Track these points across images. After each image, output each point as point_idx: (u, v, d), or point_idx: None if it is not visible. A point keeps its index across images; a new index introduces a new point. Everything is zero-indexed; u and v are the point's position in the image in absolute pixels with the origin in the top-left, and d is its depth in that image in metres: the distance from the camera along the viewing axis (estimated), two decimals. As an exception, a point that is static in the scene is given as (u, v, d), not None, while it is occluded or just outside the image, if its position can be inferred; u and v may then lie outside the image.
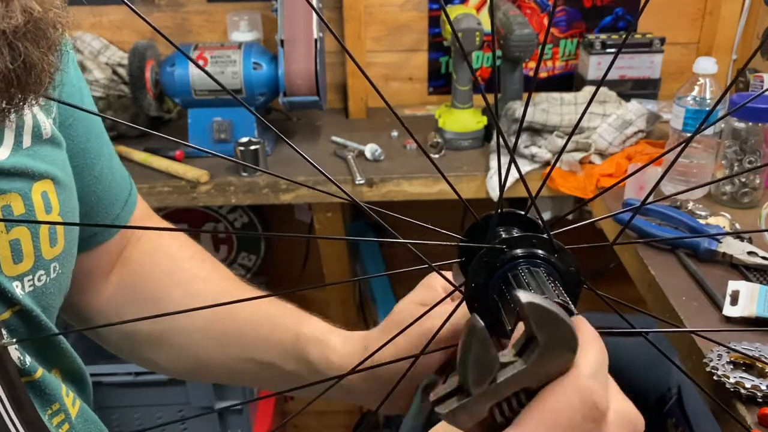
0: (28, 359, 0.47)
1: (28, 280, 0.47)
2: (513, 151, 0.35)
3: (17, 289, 0.46)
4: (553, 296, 0.35)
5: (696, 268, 0.97)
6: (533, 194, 0.37)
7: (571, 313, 0.35)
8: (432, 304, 0.46)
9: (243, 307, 0.60)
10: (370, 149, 1.38)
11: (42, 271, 0.48)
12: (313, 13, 1.31)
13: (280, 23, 1.32)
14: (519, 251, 0.38)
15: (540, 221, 0.39)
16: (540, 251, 0.38)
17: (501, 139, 0.36)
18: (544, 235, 0.38)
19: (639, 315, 1.68)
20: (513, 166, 0.35)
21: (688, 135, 1.15)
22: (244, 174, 1.32)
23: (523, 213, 0.40)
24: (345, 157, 1.38)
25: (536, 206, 0.38)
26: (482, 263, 0.38)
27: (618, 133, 1.32)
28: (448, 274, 0.45)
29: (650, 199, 1.17)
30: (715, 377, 0.75)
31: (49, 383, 0.49)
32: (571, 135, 0.40)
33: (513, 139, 1.34)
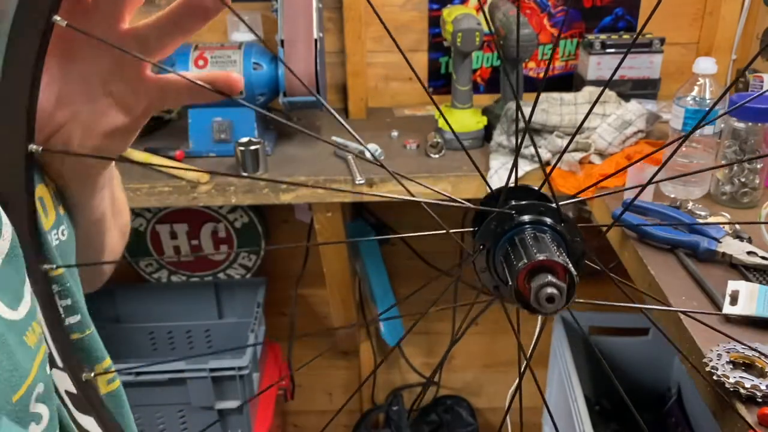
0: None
1: (55, 234, 0.47)
2: (516, 150, 0.36)
3: (53, 241, 0.46)
4: (555, 256, 0.37)
5: (695, 268, 0.98)
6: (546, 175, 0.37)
7: (571, 275, 0.37)
8: None
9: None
10: (370, 149, 1.39)
11: (63, 226, 0.48)
12: (313, 13, 1.31)
13: (280, 23, 1.32)
14: (527, 217, 0.40)
15: (551, 193, 0.41)
16: (547, 219, 0.40)
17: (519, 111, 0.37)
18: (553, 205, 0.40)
19: (641, 314, 1.68)
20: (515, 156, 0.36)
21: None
22: (245, 174, 1.32)
23: (536, 188, 0.42)
24: (345, 157, 1.38)
25: (550, 184, 0.41)
26: (491, 227, 0.41)
27: (618, 133, 1.32)
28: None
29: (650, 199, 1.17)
30: (714, 377, 0.76)
31: (96, 341, 0.49)
32: (573, 137, 0.41)
33: (513, 140, 1.35)
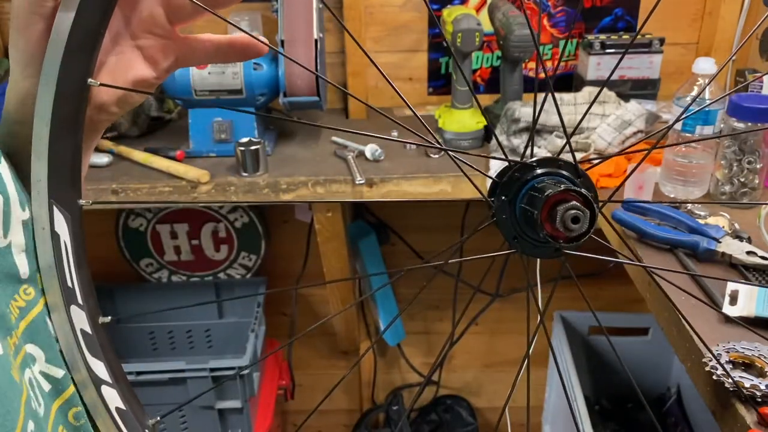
0: None
1: None
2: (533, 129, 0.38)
3: None
4: (575, 188, 0.41)
5: (695, 268, 0.98)
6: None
7: (592, 207, 0.40)
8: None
9: None
10: (370, 149, 1.39)
11: None
12: (314, 13, 1.31)
13: (280, 23, 1.32)
14: (547, 169, 0.44)
15: (570, 150, 0.45)
16: (565, 172, 0.44)
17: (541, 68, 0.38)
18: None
19: (642, 314, 1.69)
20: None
21: (688, 135, 1.16)
22: (245, 174, 1.32)
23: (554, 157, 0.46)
24: (345, 158, 1.38)
25: (570, 145, 0.44)
26: (514, 179, 0.44)
27: (617, 134, 1.33)
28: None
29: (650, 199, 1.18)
30: (714, 377, 0.76)
31: None
32: (570, 135, 0.42)
33: (513, 140, 1.35)
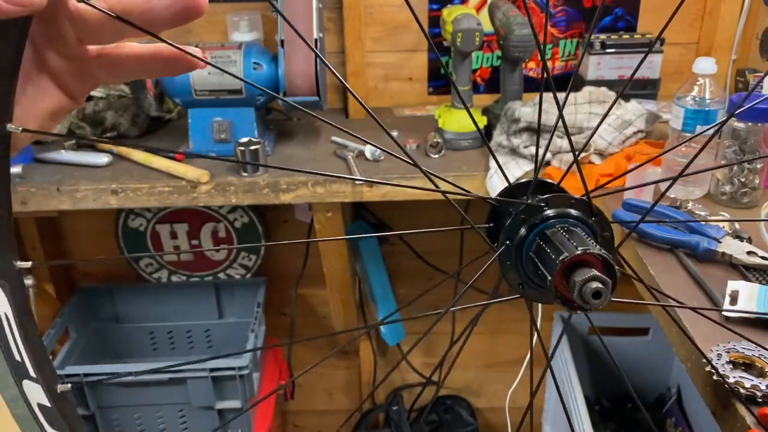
0: None
1: None
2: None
3: None
4: (594, 248, 0.36)
5: (695, 268, 0.98)
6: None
7: (610, 266, 0.35)
8: None
9: None
10: (369, 149, 1.39)
11: None
12: (314, 12, 1.31)
13: (280, 23, 1.32)
14: (557, 211, 0.39)
15: (583, 183, 0.40)
16: (577, 213, 0.39)
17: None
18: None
19: (642, 314, 1.69)
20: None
21: (688, 135, 1.16)
22: (245, 174, 1.32)
23: (556, 183, 0.41)
24: (345, 158, 1.38)
25: (579, 165, 0.40)
26: (519, 221, 0.39)
27: (617, 133, 1.32)
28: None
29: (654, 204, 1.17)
30: (714, 377, 0.76)
31: None
32: (587, 140, 0.41)
33: (513, 140, 1.35)
